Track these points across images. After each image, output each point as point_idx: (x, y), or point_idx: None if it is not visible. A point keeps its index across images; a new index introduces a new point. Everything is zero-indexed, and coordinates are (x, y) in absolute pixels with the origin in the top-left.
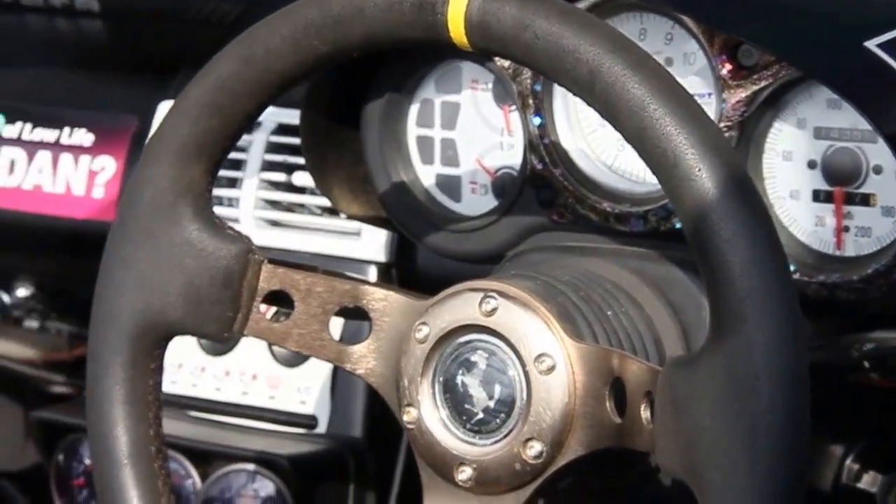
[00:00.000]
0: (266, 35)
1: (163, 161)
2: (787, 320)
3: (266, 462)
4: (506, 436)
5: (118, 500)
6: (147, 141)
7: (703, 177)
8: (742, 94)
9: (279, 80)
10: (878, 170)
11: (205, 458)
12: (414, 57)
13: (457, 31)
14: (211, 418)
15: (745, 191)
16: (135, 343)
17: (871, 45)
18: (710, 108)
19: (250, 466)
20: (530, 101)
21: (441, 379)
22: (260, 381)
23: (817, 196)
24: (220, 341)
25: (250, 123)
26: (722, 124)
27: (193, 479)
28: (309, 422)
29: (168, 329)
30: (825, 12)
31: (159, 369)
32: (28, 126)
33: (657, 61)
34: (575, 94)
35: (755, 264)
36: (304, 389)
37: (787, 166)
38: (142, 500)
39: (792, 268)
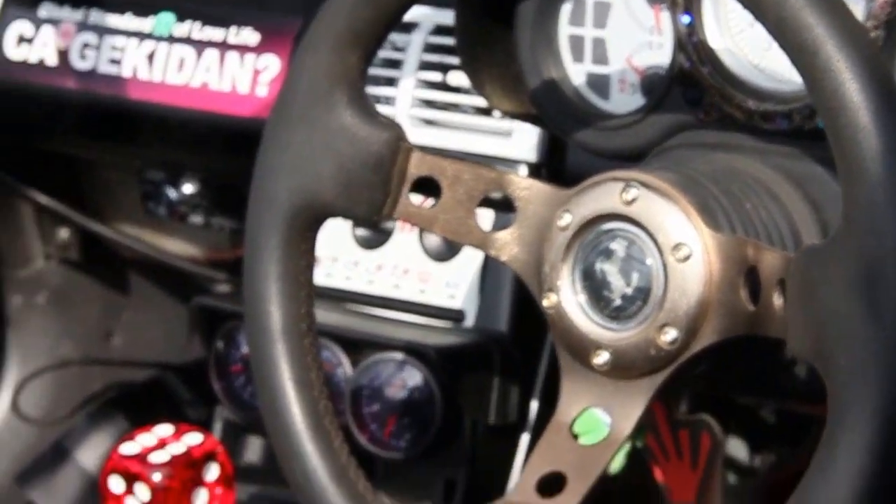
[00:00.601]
0: None
1: (320, 49)
2: None
3: (414, 352)
4: (642, 322)
5: (271, 373)
6: (307, 30)
7: (841, 66)
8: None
9: None
10: None
11: (356, 346)
12: None
13: None
14: (363, 310)
15: (882, 82)
16: (289, 224)
17: None
18: (858, 7)
19: (399, 356)
20: (680, 1)
21: (581, 266)
22: (411, 276)
23: None
24: (369, 225)
25: (402, 14)
26: (869, 23)
27: (344, 367)
28: (457, 315)
29: (321, 211)
30: None
31: (312, 251)
32: (197, 25)
33: None
34: None
35: (889, 153)
36: (453, 284)
37: None
38: (293, 374)
39: None
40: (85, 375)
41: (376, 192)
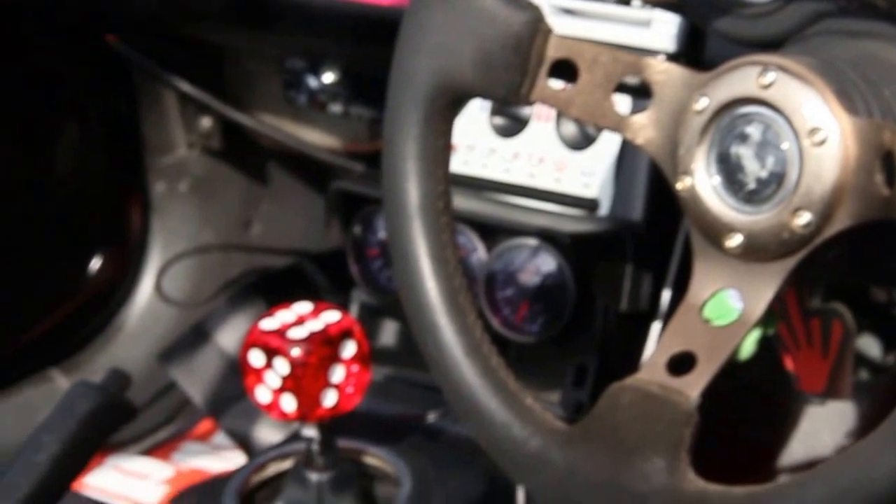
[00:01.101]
0: None
1: None
2: None
3: (549, 238)
4: (776, 205)
5: (408, 249)
6: None
7: None
8: None
9: None
10: None
11: (491, 232)
12: None
13: None
14: (499, 198)
15: None
16: (429, 103)
17: None
18: None
19: (533, 242)
20: None
21: (716, 149)
22: (547, 164)
23: None
24: (507, 105)
25: None
26: None
27: (479, 253)
28: (591, 204)
29: (460, 91)
30: None
31: (450, 132)
32: None
33: None
34: None
35: None
36: (588, 173)
37: None
38: (429, 250)
39: None
40: (225, 261)
41: (515, 73)
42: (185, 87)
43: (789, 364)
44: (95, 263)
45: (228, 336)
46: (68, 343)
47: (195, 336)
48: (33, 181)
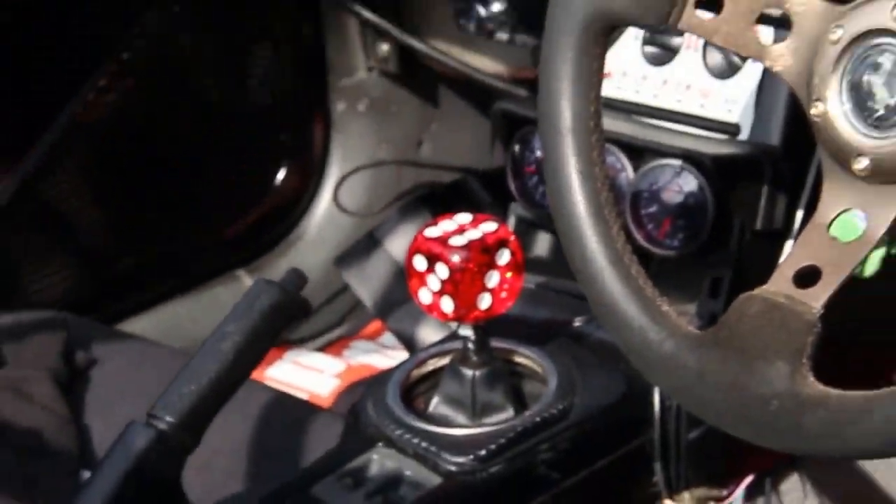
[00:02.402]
0: None
1: None
2: None
3: (692, 159)
4: None
5: (559, 164)
6: None
7: None
8: None
9: None
10: None
11: (638, 153)
12: None
13: None
14: (648, 121)
15: None
16: (585, 28)
17: None
18: None
19: (677, 163)
20: None
21: (848, 77)
22: (693, 91)
23: None
24: (657, 32)
25: None
26: None
27: (627, 172)
28: (733, 129)
29: (614, 18)
30: None
31: (602, 57)
32: None
33: None
34: None
35: None
36: (732, 100)
37: None
38: (579, 165)
39: None
40: (397, 175)
41: (665, 2)
42: (367, 14)
43: None
44: (281, 175)
45: (397, 244)
46: (254, 247)
47: (367, 243)
48: (230, 97)
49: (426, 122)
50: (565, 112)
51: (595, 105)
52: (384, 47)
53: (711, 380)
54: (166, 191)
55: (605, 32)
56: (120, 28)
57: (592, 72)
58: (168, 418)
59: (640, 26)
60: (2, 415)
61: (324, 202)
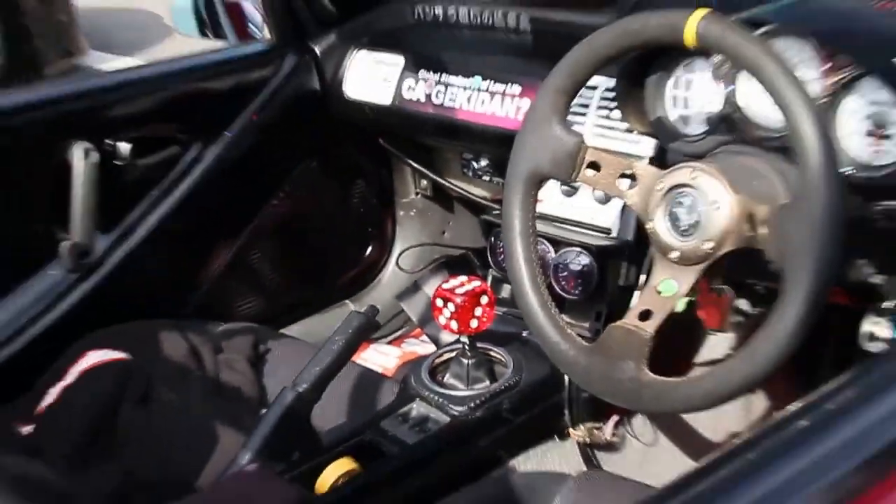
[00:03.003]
0: (597, 40)
1: (547, 94)
2: (836, 189)
3: (585, 247)
4: (695, 238)
5: (513, 253)
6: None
7: (805, 120)
8: (832, 80)
9: (603, 61)
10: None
11: (557, 243)
12: (669, 54)
13: (690, 37)
14: (562, 226)
15: (822, 127)
16: (526, 180)
17: None
18: (817, 87)
19: (577, 249)
20: (728, 79)
21: (667, 209)
22: (586, 211)
23: (869, 134)
24: (566, 183)
25: (586, 82)
26: (823, 94)
27: (551, 253)
28: (607, 231)
29: (543, 175)
30: (878, 39)
31: (536, 193)
32: (490, 82)
33: (788, 66)
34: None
35: (824, 162)
36: (607, 216)
37: (849, 119)
38: (524, 254)
39: (849, 169)
40: (431, 251)
41: (569, 167)
42: (416, 165)
43: (701, 314)
44: (369, 250)
45: (429, 288)
46: (355, 289)
47: (413, 288)
48: (345, 212)
49: (446, 222)
50: (516, 223)
51: (532, 220)
52: (423, 182)
53: (594, 371)
54: (313, 258)
55: (538, 182)
56: (285, 173)
57: (531, 204)
58: (304, 385)
59: (557, 179)
60: (219, 378)
61: (391, 265)
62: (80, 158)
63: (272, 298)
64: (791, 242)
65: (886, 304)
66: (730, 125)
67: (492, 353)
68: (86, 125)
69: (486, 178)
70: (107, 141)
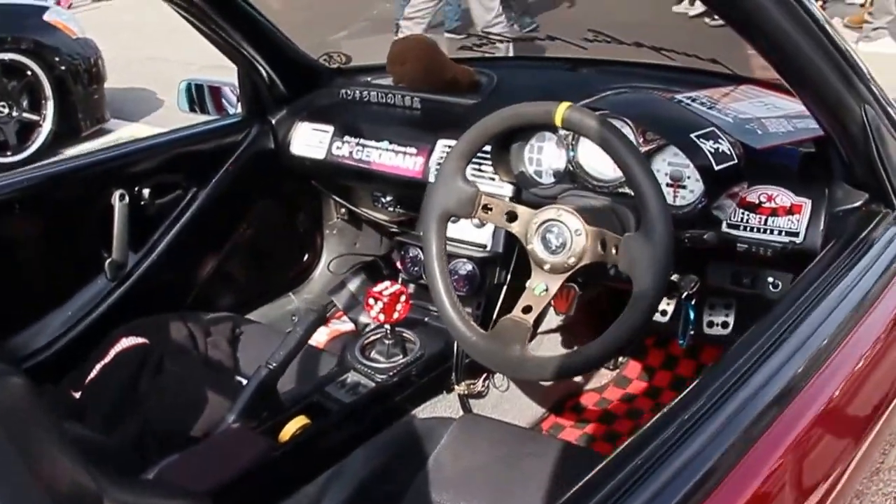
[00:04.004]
0: (490, 121)
1: (453, 159)
2: (667, 223)
3: (470, 257)
4: (562, 254)
5: (431, 267)
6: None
7: (640, 174)
8: (645, 148)
9: (493, 136)
10: (689, 176)
11: (449, 255)
12: (525, 130)
13: (558, 120)
14: (453, 244)
15: (653, 178)
16: (437, 217)
17: (693, 135)
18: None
19: (465, 259)
20: (570, 144)
21: (541, 236)
22: (476, 233)
23: (668, 185)
24: (467, 218)
25: (481, 148)
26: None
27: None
28: (483, 245)
29: (450, 213)
30: (673, 120)
31: (446, 225)
32: (396, 146)
33: (630, 142)
34: (594, 142)
35: (657, 206)
36: (483, 236)
37: (657, 173)
38: (439, 267)
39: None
40: (351, 259)
41: (469, 209)
42: (337, 199)
43: (557, 306)
44: (305, 257)
45: (352, 285)
46: (294, 284)
47: (340, 285)
48: (288, 230)
49: (361, 238)
50: (433, 247)
51: (444, 245)
52: (342, 210)
53: (491, 352)
54: (268, 263)
55: (446, 219)
56: (251, 206)
57: (442, 233)
58: (273, 364)
59: (461, 217)
60: (208, 355)
61: (321, 267)
62: (117, 201)
63: (241, 292)
64: (639, 261)
65: (683, 292)
66: (572, 177)
67: (405, 335)
68: (120, 178)
69: (391, 208)
70: (135, 188)
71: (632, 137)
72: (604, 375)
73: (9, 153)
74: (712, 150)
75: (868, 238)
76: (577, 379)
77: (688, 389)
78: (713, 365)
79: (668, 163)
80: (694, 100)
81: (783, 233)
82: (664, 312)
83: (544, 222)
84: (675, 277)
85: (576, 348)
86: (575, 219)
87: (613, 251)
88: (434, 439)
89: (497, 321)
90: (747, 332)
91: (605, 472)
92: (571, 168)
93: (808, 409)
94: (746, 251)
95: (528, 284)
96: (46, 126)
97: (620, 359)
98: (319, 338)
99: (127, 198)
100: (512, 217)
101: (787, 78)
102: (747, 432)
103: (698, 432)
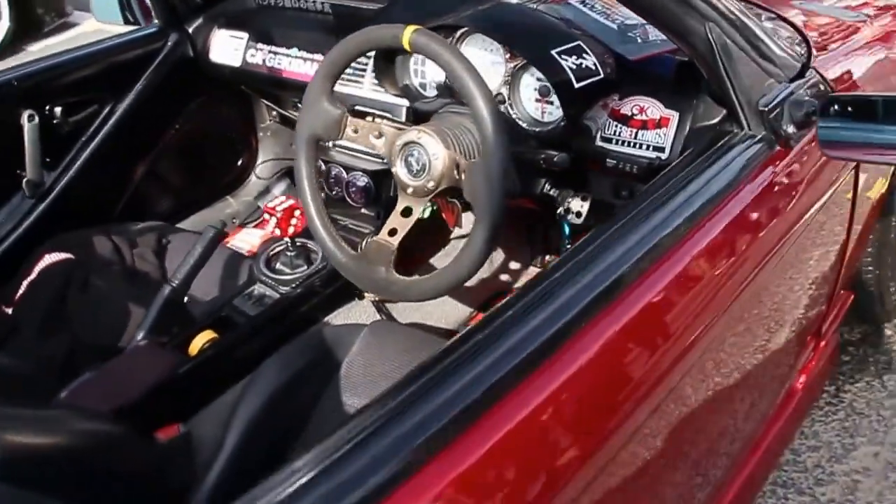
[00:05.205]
0: (348, 43)
1: (318, 80)
2: (504, 154)
3: (364, 171)
4: (423, 178)
5: (304, 195)
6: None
7: (479, 104)
8: (512, 63)
9: (353, 56)
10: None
11: (348, 168)
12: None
13: (406, 44)
14: (353, 154)
15: (492, 108)
16: (306, 140)
17: (554, 52)
18: (503, 68)
19: (361, 172)
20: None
21: (403, 157)
22: (357, 150)
23: (537, 100)
24: (335, 141)
25: (345, 68)
26: (507, 73)
27: (344, 175)
28: (381, 157)
29: (318, 137)
30: (538, 35)
31: (316, 149)
32: (304, 52)
33: (470, 67)
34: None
35: (495, 130)
36: (370, 155)
37: (525, 89)
38: (311, 192)
39: (526, 123)
40: (281, 164)
41: (336, 131)
42: (267, 102)
43: (444, 216)
44: (239, 159)
45: (276, 189)
46: (231, 188)
47: (266, 191)
48: (220, 135)
49: (292, 140)
50: (304, 172)
51: (315, 169)
52: (273, 112)
53: (360, 273)
54: (202, 169)
55: (315, 142)
56: (177, 112)
57: (313, 157)
58: (176, 281)
59: (328, 140)
60: (135, 267)
61: (254, 173)
62: (26, 122)
63: (174, 200)
64: (477, 188)
65: (560, 209)
66: (451, 91)
67: (309, 245)
68: (28, 98)
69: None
70: (45, 108)
71: (500, 54)
72: (530, 273)
73: None
74: (573, 67)
75: (712, 155)
76: (504, 277)
77: (525, 282)
78: (553, 262)
79: (536, 77)
80: (586, 3)
81: (651, 147)
82: (579, 214)
83: (405, 144)
84: (553, 192)
85: (436, 271)
86: (434, 141)
87: (462, 177)
88: (345, 346)
89: (365, 242)
90: (588, 233)
91: (448, 350)
92: (449, 82)
93: (633, 307)
94: (615, 167)
95: (395, 208)
96: (3, 23)
97: (547, 256)
98: (253, 241)
99: (36, 118)
100: (378, 138)
101: (627, 4)
102: (573, 321)
103: (531, 317)
